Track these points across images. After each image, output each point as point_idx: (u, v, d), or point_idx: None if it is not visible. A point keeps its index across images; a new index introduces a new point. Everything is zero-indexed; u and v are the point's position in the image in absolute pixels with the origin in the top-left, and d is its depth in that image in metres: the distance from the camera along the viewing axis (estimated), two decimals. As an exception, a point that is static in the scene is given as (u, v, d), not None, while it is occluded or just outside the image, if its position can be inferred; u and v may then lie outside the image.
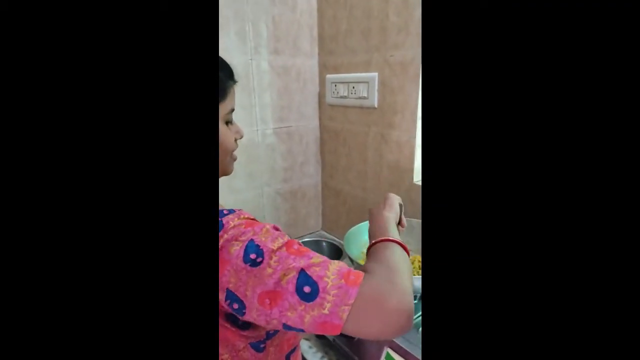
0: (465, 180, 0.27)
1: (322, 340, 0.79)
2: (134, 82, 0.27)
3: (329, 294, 0.37)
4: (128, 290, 0.27)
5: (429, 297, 0.28)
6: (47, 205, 0.26)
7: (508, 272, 0.26)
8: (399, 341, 0.64)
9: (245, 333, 0.44)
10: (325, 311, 0.37)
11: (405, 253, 0.48)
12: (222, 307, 0.41)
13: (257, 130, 1.09)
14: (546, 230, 0.25)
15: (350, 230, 0.83)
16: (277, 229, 0.44)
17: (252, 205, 1.15)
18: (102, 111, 0.27)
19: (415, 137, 0.93)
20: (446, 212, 0.27)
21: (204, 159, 0.29)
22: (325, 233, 1.34)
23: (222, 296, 0.40)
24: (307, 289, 0.37)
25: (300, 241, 1.12)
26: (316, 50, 1.16)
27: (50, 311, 0.26)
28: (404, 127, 0.95)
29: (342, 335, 0.72)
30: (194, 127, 0.29)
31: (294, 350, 0.53)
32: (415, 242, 0.81)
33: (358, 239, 0.84)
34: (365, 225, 0.85)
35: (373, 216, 0.58)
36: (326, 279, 0.37)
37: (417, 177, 0.96)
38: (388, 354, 0.65)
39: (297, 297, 0.37)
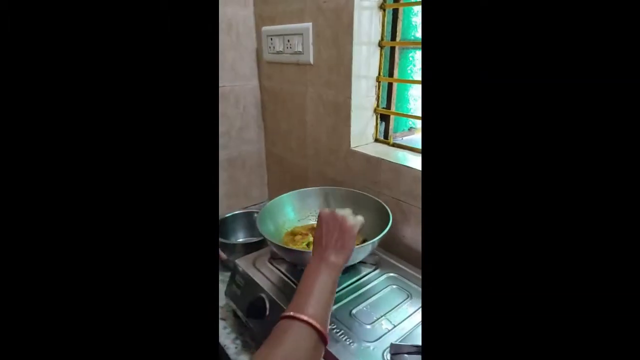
0: (467, 172, 0.26)
1: (237, 320, 0.72)
2: (134, 74, 0.27)
3: None
4: (126, 289, 0.27)
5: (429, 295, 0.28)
6: (48, 205, 0.26)
7: (511, 269, 0.25)
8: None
9: None
10: None
11: (315, 340, 0.41)
12: None
13: (183, 89, 0.97)
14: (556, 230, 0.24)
15: (267, 205, 0.74)
16: None
17: (182, 175, 1.04)
18: (102, 106, 0.27)
19: (350, 98, 0.83)
20: (447, 204, 0.27)
21: (204, 157, 0.29)
22: (271, 204, 1.26)
23: None
24: None
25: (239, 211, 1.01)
26: (250, -2, 1.02)
27: (50, 310, 0.26)
28: (340, 85, 0.84)
29: (251, 316, 0.65)
30: (195, 119, 0.29)
31: None
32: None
33: (276, 213, 0.75)
34: (286, 197, 0.77)
35: (317, 239, 0.51)
36: None
37: (355, 143, 0.87)
38: (294, 338, 0.58)
39: None
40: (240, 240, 0.98)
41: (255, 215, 1.00)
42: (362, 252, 0.63)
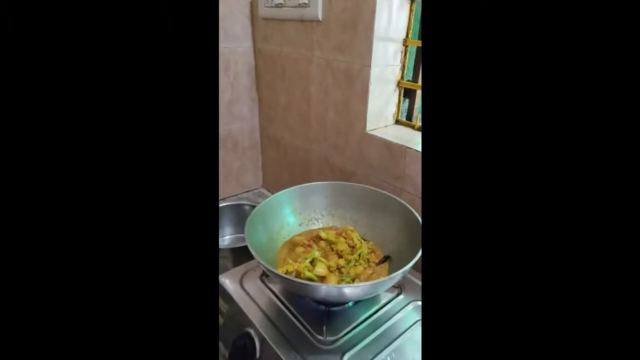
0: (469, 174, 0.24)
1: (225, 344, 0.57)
2: (134, 73, 0.26)
3: None
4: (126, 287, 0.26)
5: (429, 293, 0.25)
6: (48, 200, 0.25)
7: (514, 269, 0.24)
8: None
9: None
10: None
11: None
12: None
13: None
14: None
15: (259, 207, 0.56)
16: None
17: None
18: (101, 104, 0.26)
19: (370, 66, 0.64)
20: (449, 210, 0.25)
21: (203, 155, 0.28)
22: (267, 192, 1.09)
23: None
24: None
25: (226, 203, 0.84)
26: None
27: (48, 305, 0.25)
28: (356, 49, 0.65)
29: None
30: (195, 118, 0.28)
31: None
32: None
33: (271, 216, 0.57)
34: (283, 196, 0.59)
35: None
36: None
37: (371, 125, 0.69)
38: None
39: None
40: (227, 240, 0.82)
41: (246, 207, 0.83)
42: (385, 285, 0.46)
